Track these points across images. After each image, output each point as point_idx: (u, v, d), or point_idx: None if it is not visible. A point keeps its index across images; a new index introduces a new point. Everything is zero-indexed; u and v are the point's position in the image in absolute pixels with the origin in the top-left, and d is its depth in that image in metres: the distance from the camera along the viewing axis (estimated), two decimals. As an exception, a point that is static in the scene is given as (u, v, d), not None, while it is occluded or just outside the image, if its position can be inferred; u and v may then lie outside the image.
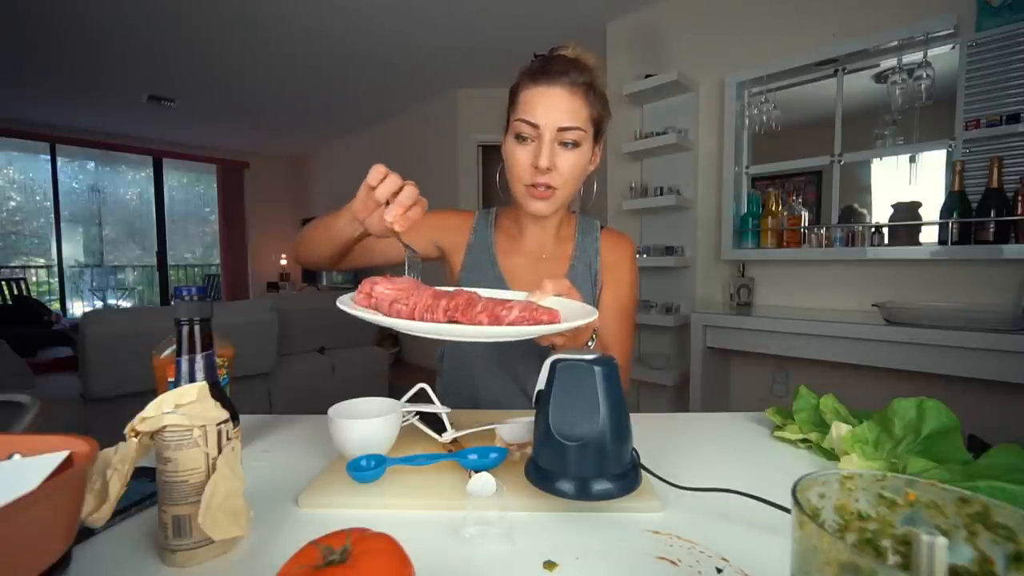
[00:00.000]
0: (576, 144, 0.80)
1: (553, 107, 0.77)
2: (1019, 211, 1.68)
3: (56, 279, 5.43)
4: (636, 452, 0.52)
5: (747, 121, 2.38)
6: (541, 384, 0.51)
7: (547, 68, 0.79)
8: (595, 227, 0.98)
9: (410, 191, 0.59)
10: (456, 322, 0.51)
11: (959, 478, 0.48)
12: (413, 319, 0.50)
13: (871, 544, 0.29)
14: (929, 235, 1.93)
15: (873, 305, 1.87)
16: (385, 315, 0.50)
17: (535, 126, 0.78)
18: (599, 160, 0.88)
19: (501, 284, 0.91)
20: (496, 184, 0.91)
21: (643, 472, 0.52)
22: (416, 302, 0.50)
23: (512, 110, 0.83)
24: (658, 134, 2.53)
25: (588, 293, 0.93)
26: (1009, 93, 1.73)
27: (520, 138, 0.80)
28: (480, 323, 0.50)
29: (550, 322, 0.51)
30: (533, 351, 0.88)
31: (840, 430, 0.60)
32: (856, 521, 0.30)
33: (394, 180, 0.59)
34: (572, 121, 0.78)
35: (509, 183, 0.85)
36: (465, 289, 0.56)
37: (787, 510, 0.45)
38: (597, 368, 0.48)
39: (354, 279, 5.34)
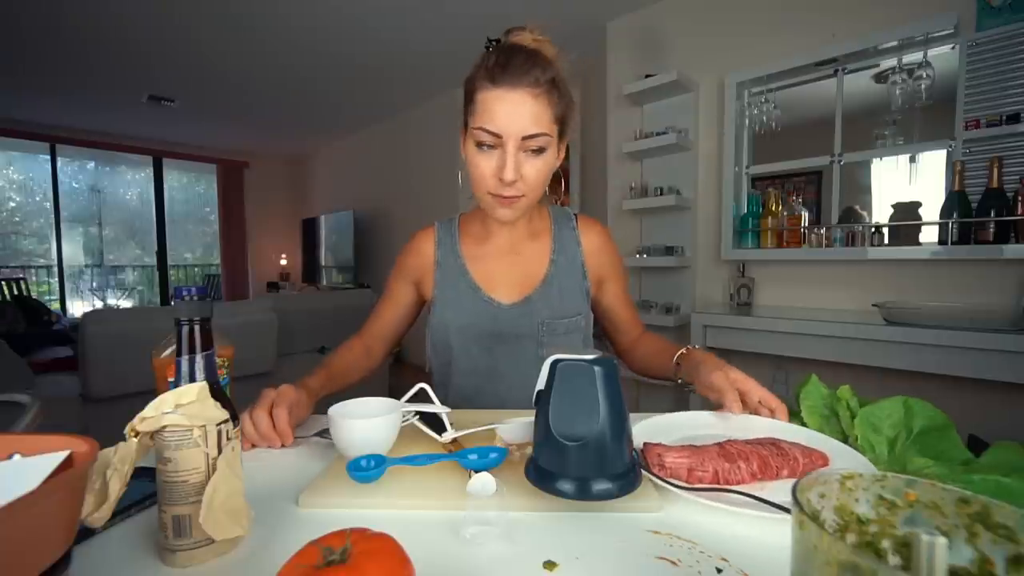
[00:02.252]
0: (542, 150, 0.75)
1: (515, 114, 0.72)
2: (1019, 211, 1.67)
3: (56, 279, 5.43)
4: (637, 452, 0.52)
5: (747, 121, 2.38)
6: (541, 384, 0.51)
7: (507, 68, 0.72)
8: (570, 217, 0.95)
9: (252, 427, 0.66)
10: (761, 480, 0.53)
11: (958, 474, 0.48)
12: (718, 482, 0.52)
13: (871, 547, 0.29)
14: (929, 235, 1.93)
15: (873, 305, 1.87)
16: (686, 483, 0.52)
17: (498, 135, 0.73)
18: (563, 154, 0.84)
19: (476, 293, 0.89)
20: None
21: (643, 472, 0.52)
22: (714, 467, 0.53)
23: (470, 113, 0.76)
24: (658, 134, 2.53)
25: (576, 286, 0.91)
26: (1009, 93, 1.73)
27: (482, 146, 0.75)
28: (781, 477, 0.53)
29: (823, 464, 0.55)
30: (517, 362, 0.88)
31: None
32: (856, 524, 0.30)
33: (257, 431, 0.66)
34: (537, 128, 0.73)
35: (474, 191, 0.80)
36: (737, 441, 0.56)
37: (787, 510, 0.45)
38: (597, 368, 0.48)
39: (354, 279, 5.34)
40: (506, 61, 0.73)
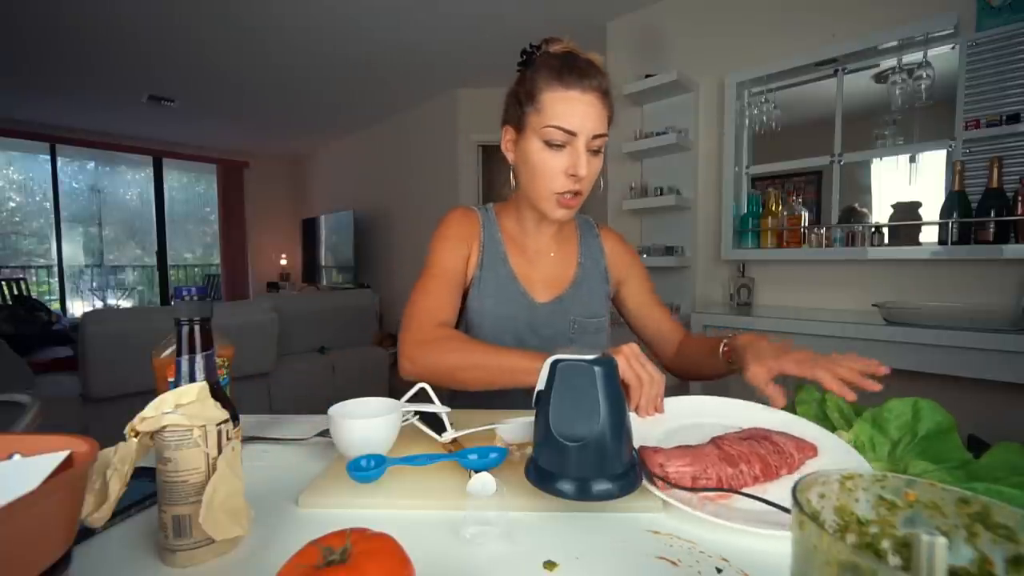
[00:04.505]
0: (600, 150, 0.81)
1: (588, 115, 0.77)
2: (1019, 211, 1.67)
3: (56, 279, 5.43)
4: (636, 452, 0.52)
5: (747, 121, 2.38)
6: (541, 384, 0.51)
7: (579, 72, 0.77)
8: (593, 226, 1.02)
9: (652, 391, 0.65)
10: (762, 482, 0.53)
11: (961, 480, 0.48)
12: (722, 486, 0.52)
13: (871, 547, 0.29)
14: (929, 235, 1.93)
15: (873, 305, 1.87)
16: (690, 488, 0.51)
17: (572, 133, 0.77)
18: None
19: (515, 285, 0.91)
20: (501, 184, 0.91)
21: (652, 489, 0.51)
22: (717, 473, 0.52)
23: (532, 113, 0.79)
24: (658, 134, 2.53)
25: (600, 289, 0.97)
26: (1009, 93, 1.73)
27: (551, 144, 0.79)
28: (781, 476, 0.53)
29: (813, 454, 0.57)
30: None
31: (842, 438, 0.60)
32: (856, 524, 0.30)
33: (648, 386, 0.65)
34: (603, 128, 0.79)
35: (533, 189, 0.83)
36: (730, 438, 0.56)
37: (787, 510, 0.45)
38: (597, 368, 0.48)
39: (354, 279, 5.34)
40: (573, 65, 0.78)
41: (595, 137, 0.78)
